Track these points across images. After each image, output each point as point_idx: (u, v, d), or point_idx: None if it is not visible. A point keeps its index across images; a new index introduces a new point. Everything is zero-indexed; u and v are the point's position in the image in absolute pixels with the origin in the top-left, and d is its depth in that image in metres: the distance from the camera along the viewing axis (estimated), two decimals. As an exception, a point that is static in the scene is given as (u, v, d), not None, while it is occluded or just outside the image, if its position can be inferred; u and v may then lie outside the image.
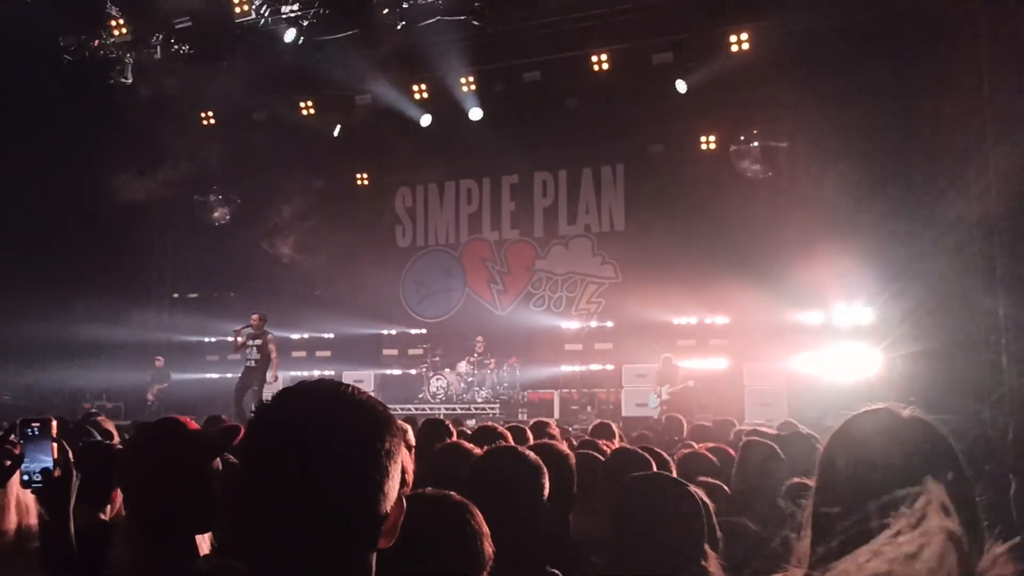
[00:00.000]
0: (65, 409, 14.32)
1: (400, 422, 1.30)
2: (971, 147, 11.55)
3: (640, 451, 3.81)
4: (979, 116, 11.42)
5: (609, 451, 4.83)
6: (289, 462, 1.20)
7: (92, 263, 15.43)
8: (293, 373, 16.97)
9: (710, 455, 4.87)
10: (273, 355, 13.03)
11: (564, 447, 3.36)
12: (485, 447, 3.04)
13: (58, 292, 14.58)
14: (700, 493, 2.91)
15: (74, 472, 2.30)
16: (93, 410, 11.19)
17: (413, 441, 4.81)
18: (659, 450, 4.51)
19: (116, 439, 5.71)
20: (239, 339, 13.18)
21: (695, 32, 13.26)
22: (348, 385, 1.30)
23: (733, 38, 12.85)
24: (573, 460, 3.28)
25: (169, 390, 16.02)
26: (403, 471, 2.75)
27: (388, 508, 1.25)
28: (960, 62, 11.76)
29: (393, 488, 1.26)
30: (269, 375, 13.05)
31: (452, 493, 1.89)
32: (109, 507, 3.02)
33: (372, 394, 1.33)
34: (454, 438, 4.68)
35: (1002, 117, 11.13)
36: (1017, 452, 6.21)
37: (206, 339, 17.59)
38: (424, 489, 1.95)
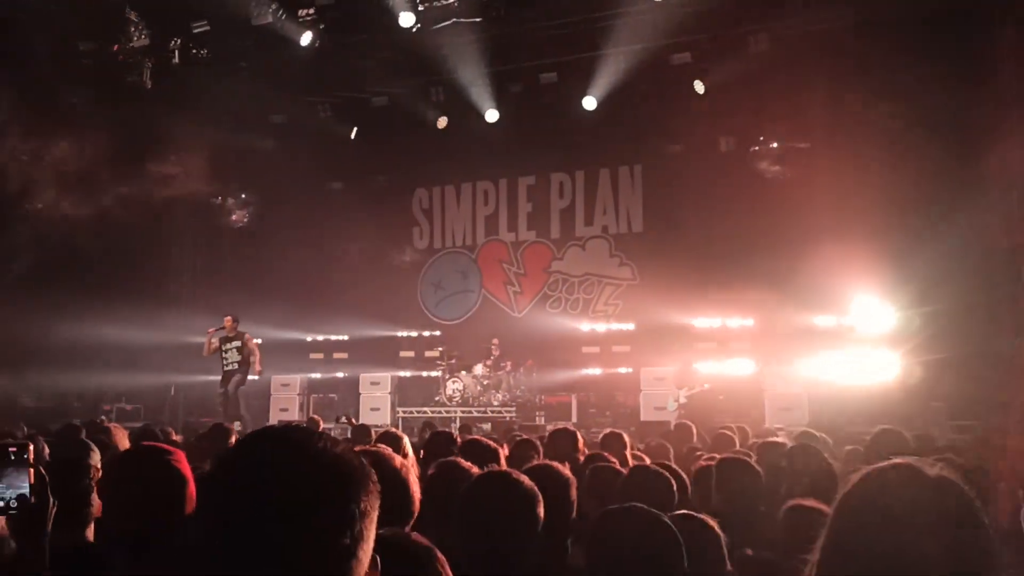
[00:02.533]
0: (85, 411, 14.44)
1: (374, 474, 1.20)
2: (999, 150, 11.30)
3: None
4: (1005, 115, 11.17)
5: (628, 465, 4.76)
6: (249, 524, 1.08)
7: (113, 266, 15.52)
8: (312, 375, 17.07)
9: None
10: (255, 355, 13.08)
11: (566, 471, 3.26)
12: (479, 470, 2.96)
13: (79, 295, 14.66)
14: (712, 524, 2.81)
15: (51, 499, 2.25)
16: (101, 417, 11.24)
17: (409, 450, 4.76)
18: (677, 468, 4.39)
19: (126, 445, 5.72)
20: (213, 342, 13.20)
21: (714, 32, 13.11)
22: (321, 435, 1.18)
23: (752, 38, 12.72)
24: (574, 484, 3.19)
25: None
26: (410, 499, 2.69)
27: (361, 574, 1.14)
28: (987, 61, 11.52)
29: (367, 551, 1.15)
30: (251, 375, 13.19)
31: (413, 535, 1.78)
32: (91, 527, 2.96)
33: (346, 444, 1.22)
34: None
35: (1028, 117, 10.89)
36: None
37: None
38: (382, 530, 1.86)
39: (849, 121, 13.07)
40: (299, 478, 1.12)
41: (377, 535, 1.81)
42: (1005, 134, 11.02)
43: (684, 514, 2.66)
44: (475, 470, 3.29)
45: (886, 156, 12.54)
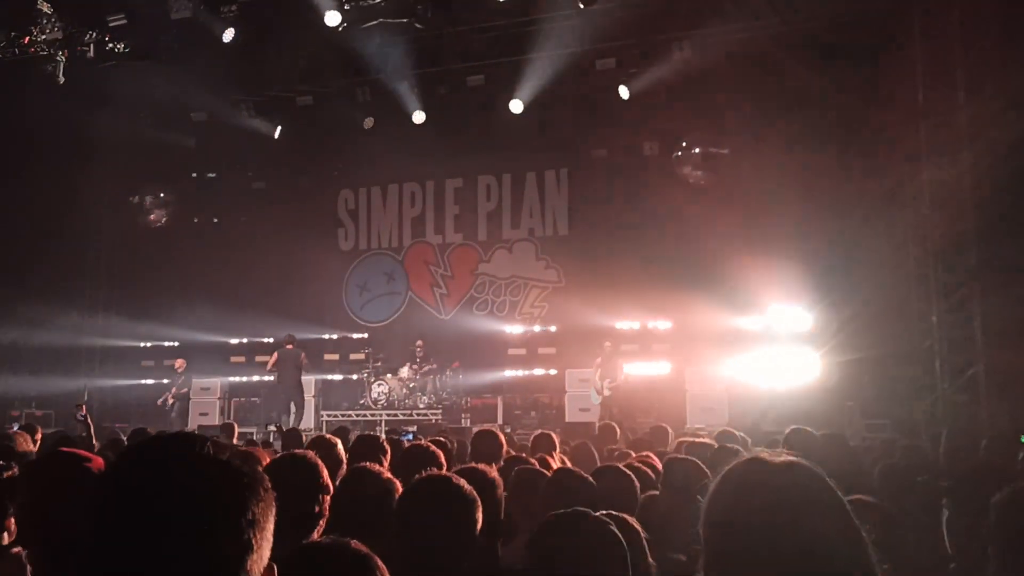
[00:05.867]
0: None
1: (267, 481, 1.19)
2: (907, 158, 11.78)
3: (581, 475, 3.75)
4: (914, 127, 11.65)
5: (551, 467, 4.78)
6: (133, 535, 1.07)
7: (19, 266, 14.90)
8: (233, 379, 16.69)
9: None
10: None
11: (493, 472, 3.27)
12: (408, 473, 2.93)
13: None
14: (636, 525, 2.85)
15: None
16: (11, 426, 10.78)
17: (344, 456, 4.70)
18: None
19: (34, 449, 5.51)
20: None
21: (638, 39, 13.31)
22: (208, 441, 1.17)
23: (675, 45, 12.95)
24: (501, 486, 3.20)
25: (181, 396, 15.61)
26: (319, 505, 2.66)
27: None
28: (896, 73, 11.99)
29: (259, 561, 1.13)
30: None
31: (352, 542, 1.76)
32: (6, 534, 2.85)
33: (234, 451, 1.22)
34: (387, 456, 4.58)
35: (936, 128, 11.37)
36: (948, 463, 6.32)
37: (141, 344, 17.17)
38: (324, 537, 1.84)
39: (768, 129, 13.42)
40: (186, 485, 1.10)
41: (316, 543, 1.79)
42: (915, 146, 11.50)
43: (597, 520, 2.70)
44: (386, 474, 3.24)
45: (803, 164, 12.95)
